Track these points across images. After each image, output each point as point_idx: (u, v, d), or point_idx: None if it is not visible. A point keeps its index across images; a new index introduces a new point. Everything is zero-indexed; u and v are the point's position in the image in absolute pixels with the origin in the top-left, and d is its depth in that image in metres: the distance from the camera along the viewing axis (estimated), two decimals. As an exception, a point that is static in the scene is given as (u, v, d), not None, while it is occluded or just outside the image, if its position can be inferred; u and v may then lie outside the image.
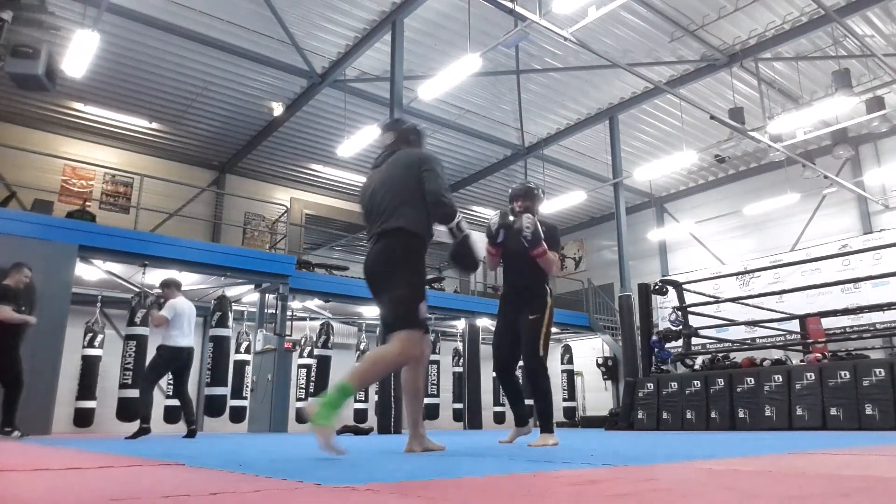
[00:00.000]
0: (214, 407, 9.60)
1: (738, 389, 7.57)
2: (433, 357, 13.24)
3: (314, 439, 2.50)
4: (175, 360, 6.22)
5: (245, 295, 11.10)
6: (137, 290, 9.04)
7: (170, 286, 6.51)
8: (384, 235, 2.93)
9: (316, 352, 11.89)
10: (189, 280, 9.86)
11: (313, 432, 2.44)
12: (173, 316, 6.19)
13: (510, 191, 4.27)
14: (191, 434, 6.27)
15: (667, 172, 14.01)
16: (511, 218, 4.00)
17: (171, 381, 6.62)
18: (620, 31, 9.87)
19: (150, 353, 6.74)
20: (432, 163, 3.06)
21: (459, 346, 13.83)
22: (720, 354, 9.23)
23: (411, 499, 1.32)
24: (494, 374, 4.23)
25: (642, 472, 1.98)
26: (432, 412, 13.20)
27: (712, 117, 9.61)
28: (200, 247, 9.83)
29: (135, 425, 6.10)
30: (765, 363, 8.26)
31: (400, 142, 3.25)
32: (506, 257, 4.06)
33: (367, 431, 8.13)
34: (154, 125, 12.31)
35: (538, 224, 3.80)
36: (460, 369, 13.44)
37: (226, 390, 9.68)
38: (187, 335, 6.29)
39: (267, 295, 10.62)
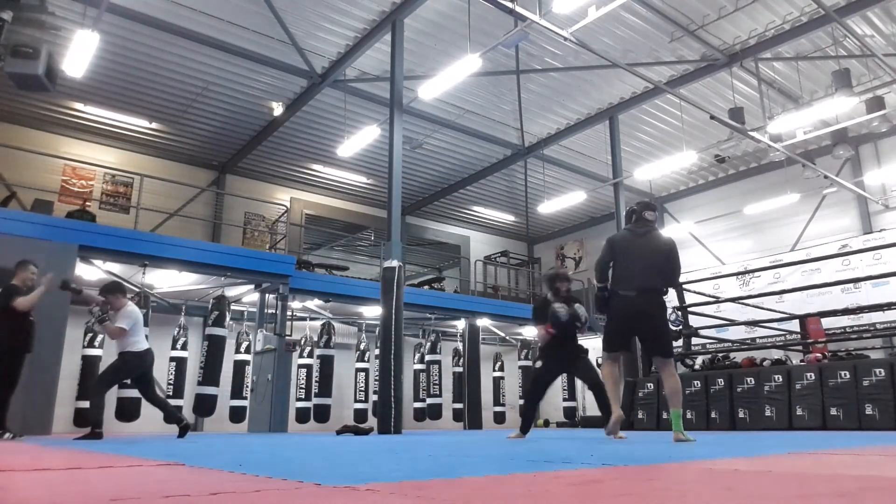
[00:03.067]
0: (204, 406, 9.48)
1: (738, 389, 7.58)
2: (433, 357, 13.24)
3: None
4: (141, 366, 6.14)
5: (245, 295, 11.10)
6: (137, 289, 9.03)
7: (113, 292, 6.01)
8: (656, 291, 4.39)
9: (318, 352, 11.87)
10: (189, 280, 9.86)
11: (682, 440, 4.08)
12: (132, 324, 5.97)
13: (556, 273, 5.73)
14: (183, 430, 6.14)
15: (667, 172, 14.01)
16: (558, 299, 5.45)
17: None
18: (620, 31, 9.86)
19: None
20: (677, 251, 4.57)
21: (459, 346, 13.81)
22: (720, 354, 9.23)
23: (411, 499, 1.32)
24: (525, 401, 6.15)
25: (642, 472, 1.98)
26: (433, 412, 13.19)
27: (712, 117, 9.60)
28: (200, 247, 9.81)
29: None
30: (765, 363, 8.26)
31: (655, 222, 4.68)
32: (557, 326, 5.45)
33: (367, 431, 8.11)
34: (154, 125, 12.31)
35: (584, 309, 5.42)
36: (460, 369, 13.42)
37: (217, 390, 9.54)
38: (143, 338, 6.18)
39: (267, 295, 10.61)
